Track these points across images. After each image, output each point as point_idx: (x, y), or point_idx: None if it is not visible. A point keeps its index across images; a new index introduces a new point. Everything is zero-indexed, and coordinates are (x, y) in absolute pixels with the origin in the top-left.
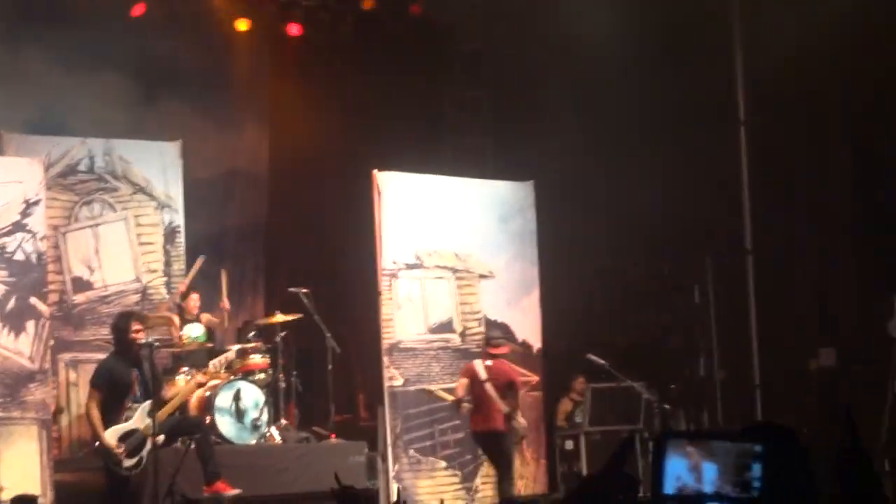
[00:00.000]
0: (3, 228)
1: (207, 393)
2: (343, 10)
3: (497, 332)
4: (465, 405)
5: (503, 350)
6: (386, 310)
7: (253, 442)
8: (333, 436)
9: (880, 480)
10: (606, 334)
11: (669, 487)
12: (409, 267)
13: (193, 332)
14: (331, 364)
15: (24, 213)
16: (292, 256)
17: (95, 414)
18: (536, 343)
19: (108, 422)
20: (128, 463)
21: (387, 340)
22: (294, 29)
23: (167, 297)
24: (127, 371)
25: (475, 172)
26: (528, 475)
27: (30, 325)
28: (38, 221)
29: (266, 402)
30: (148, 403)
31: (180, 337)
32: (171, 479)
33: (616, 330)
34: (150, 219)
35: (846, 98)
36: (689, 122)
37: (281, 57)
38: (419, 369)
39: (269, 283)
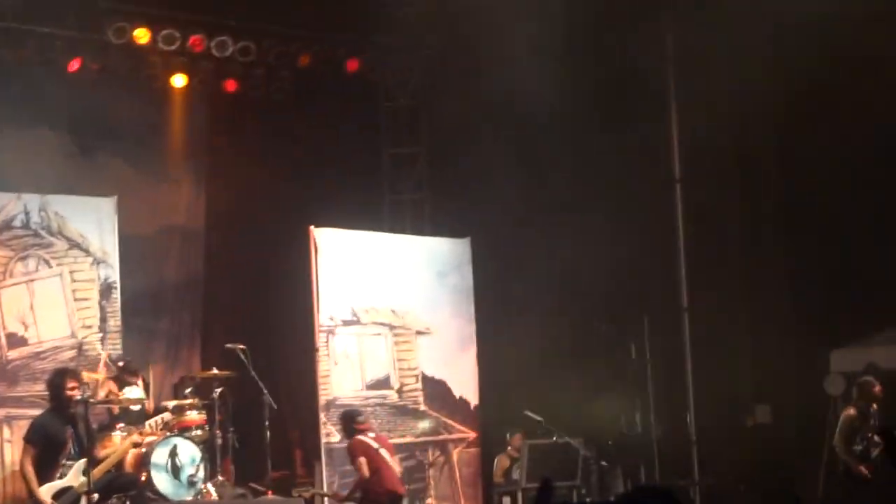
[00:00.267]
0: None
1: (143, 449)
2: (279, 66)
3: (356, 412)
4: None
5: (369, 427)
6: (323, 366)
7: (189, 498)
8: (270, 493)
9: None
10: (543, 390)
11: None
12: (346, 323)
13: (133, 394)
14: (267, 420)
15: None
16: (229, 311)
17: (30, 470)
18: (473, 399)
19: (43, 478)
20: None
21: (323, 397)
22: (231, 85)
23: (102, 352)
24: (62, 428)
25: (412, 229)
26: None
27: None
28: None
29: (202, 459)
30: (83, 462)
31: (117, 394)
32: None
33: (553, 386)
34: (86, 274)
35: (779, 155)
36: (625, 180)
37: (218, 112)
38: None
39: (206, 338)
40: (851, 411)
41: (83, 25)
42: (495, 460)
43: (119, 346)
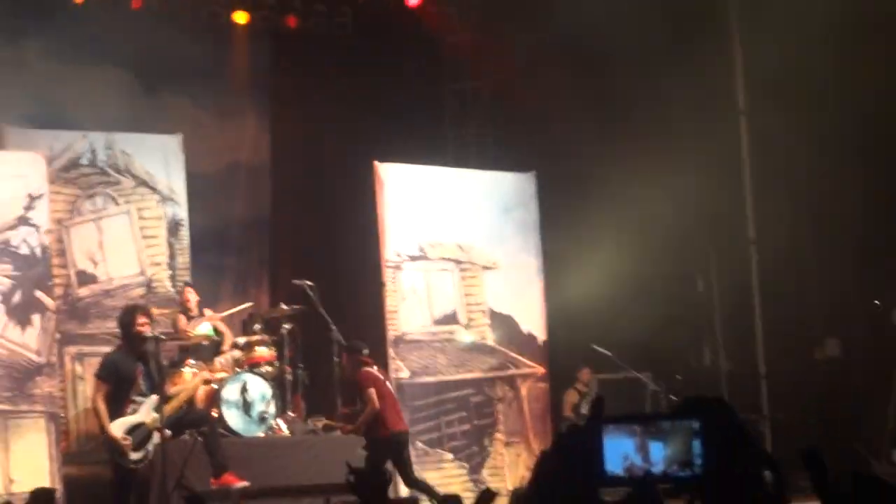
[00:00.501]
0: (7, 223)
1: (214, 386)
2: (340, 1)
3: (362, 344)
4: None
5: (372, 361)
6: (390, 302)
7: (260, 434)
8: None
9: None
10: (611, 325)
11: (616, 466)
12: (413, 259)
13: (203, 329)
14: (336, 356)
15: (28, 208)
16: (296, 248)
17: (101, 406)
18: (541, 335)
19: (114, 414)
20: (134, 456)
21: (392, 332)
22: (292, 21)
23: (172, 290)
24: (132, 364)
25: (477, 163)
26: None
27: (35, 318)
28: (42, 216)
29: (273, 395)
30: (154, 398)
31: (186, 331)
32: (179, 472)
33: (621, 321)
34: (153, 212)
35: (847, 86)
36: (690, 113)
37: (280, 49)
38: (425, 361)
39: (274, 274)
40: None
41: None
42: (564, 395)
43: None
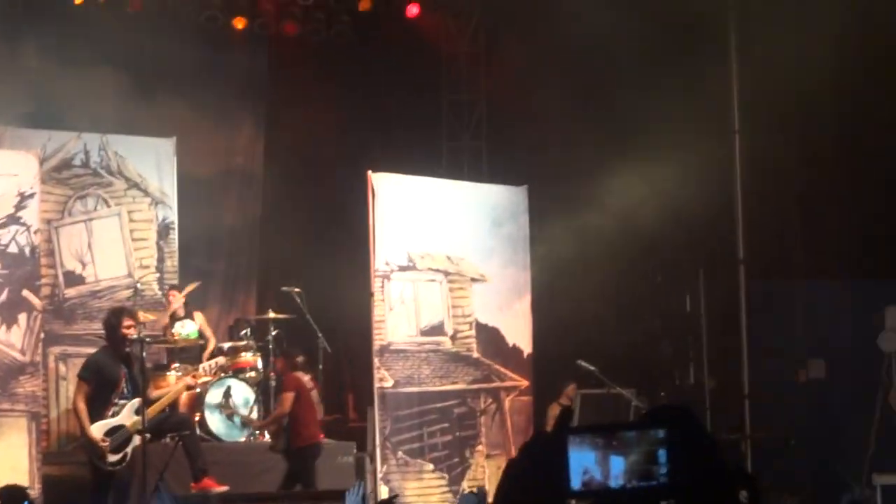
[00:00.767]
0: None
1: (198, 390)
2: (340, 10)
3: (297, 351)
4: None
5: (304, 370)
6: (378, 311)
7: (242, 439)
8: (322, 436)
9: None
10: (597, 341)
11: (576, 480)
12: (402, 269)
13: (185, 329)
14: (321, 364)
15: (19, 206)
16: (286, 255)
17: (82, 406)
18: (527, 348)
19: (95, 416)
20: (112, 458)
21: (378, 342)
22: (291, 28)
23: (159, 293)
24: (116, 366)
25: (469, 176)
26: None
27: (21, 317)
28: (32, 214)
29: (256, 400)
30: (136, 401)
31: (172, 333)
32: (158, 476)
33: (607, 337)
34: (144, 215)
35: (840, 108)
36: (684, 131)
37: (277, 56)
38: (409, 371)
39: (262, 281)
40: None
41: None
42: (548, 409)
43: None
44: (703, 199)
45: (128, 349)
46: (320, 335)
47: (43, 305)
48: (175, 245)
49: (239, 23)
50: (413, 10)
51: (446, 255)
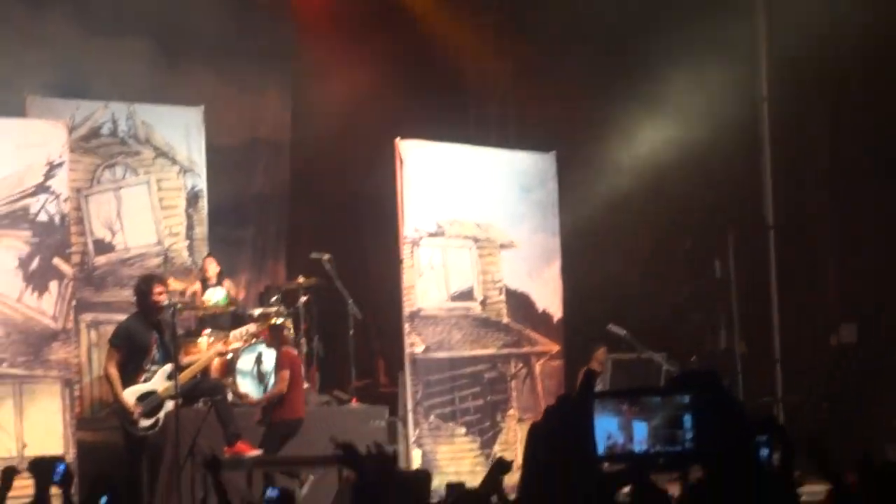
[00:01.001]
0: (27, 190)
1: (229, 355)
2: None
3: (286, 325)
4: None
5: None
6: (407, 277)
7: None
8: (355, 400)
9: None
10: (627, 305)
11: (600, 445)
12: (431, 235)
13: (215, 295)
14: (352, 329)
15: (48, 175)
16: (315, 222)
17: (114, 373)
18: (557, 313)
19: (127, 382)
20: (143, 423)
21: (408, 307)
22: None
23: (189, 260)
24: (147, 333)
25: (497, 142)
26: None
27: (53, 285)
28: (62, 183)
29: None
30: (168, 366)
31: (203, 300)
32: (191, 440)
33: (636, 301)
34: (173, 183)
35: (867, 73)
36: (712, 96)
37: (305, 23)
38: (440, 337)
39: (291, 248)
40: None
41: None
42: (579, 373)
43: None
44: (733, 164)
45: (158, 316)
46: (350, 301)
47: (74, 273)
48: (204, 213)
49: None
50: None
51: (475, 222)
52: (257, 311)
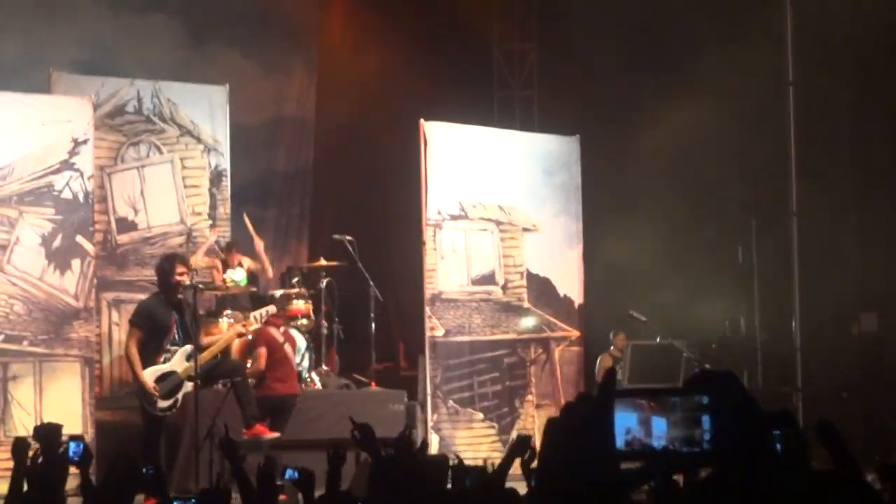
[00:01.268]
0: (51, 167)
1: (250, 337)
2: None
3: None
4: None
5: (280, 322)
6: (429, 260)
7: None
8: (374, 383)
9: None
10: (649, 292)
11: (619, 440)
12: (454, 218)
13: (236, 276)
14: (373, 312)
15: (72, 152)
16: (338, 203)
17: (133, 352)
18: (577, 298)
19: (147, 362)
20: (162, 404)
21: (429, 291)
22: None
23: (209, 235)
24: (167, 313)
25: (521, 125)
26: None
27: (75, 263)
28: (86, 161)
29: (307, 348)
30: (188, 347)
31: (224, 280)
32: (210, 421)
33: (659, 288)
34: (197, 162)
35: (892, 60)
36: (738, 82)
37: (330, 2)
38: (460, 320)
39: (314, 228)
40: None
41: None
42: (598, 359)
43: (228, 235)
44: (757, 151)
45: (179, 295)
46: (371, 283)
47: (96, 251)
48: (228, 192)
49: None
50: None
51: (498, 205)
52: (278, 293)
